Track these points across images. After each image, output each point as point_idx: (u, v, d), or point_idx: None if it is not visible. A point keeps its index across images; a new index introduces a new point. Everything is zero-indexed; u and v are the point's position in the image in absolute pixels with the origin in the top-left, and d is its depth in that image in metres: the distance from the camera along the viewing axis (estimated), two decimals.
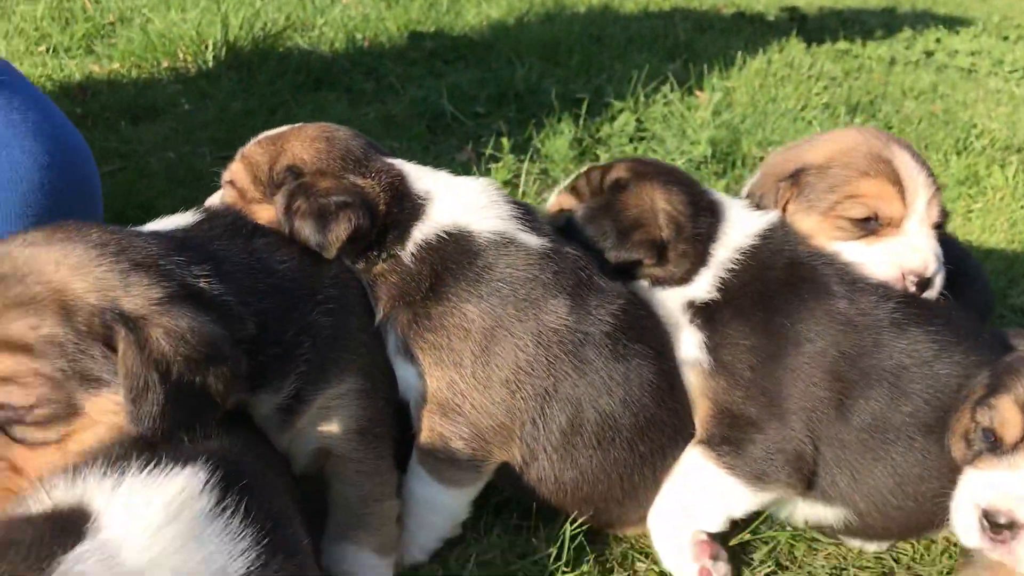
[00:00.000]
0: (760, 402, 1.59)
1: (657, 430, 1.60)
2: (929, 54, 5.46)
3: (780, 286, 1.68)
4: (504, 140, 3.21)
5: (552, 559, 1.57)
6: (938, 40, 5.72)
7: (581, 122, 3.49)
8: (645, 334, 1.62)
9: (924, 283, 1.70)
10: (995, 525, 1.41)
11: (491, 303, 1.52)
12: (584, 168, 1.96)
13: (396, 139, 3.28)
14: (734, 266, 1.70)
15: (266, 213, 1.64)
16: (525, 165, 3.13)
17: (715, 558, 1.59)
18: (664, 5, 5.86)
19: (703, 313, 1.68)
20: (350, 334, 1.53)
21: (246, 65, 3.84)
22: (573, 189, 1.87)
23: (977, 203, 3.34)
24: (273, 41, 4.02)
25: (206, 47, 3.88)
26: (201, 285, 1.32)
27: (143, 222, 2.44)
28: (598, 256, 1.68)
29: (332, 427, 1.50)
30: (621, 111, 3.67)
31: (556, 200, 1.90)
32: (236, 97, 3.53)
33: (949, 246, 1.83)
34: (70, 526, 1.04)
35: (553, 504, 1.60)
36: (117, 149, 2.95)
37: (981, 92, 4.74)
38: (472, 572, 1.53)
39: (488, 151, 3.20)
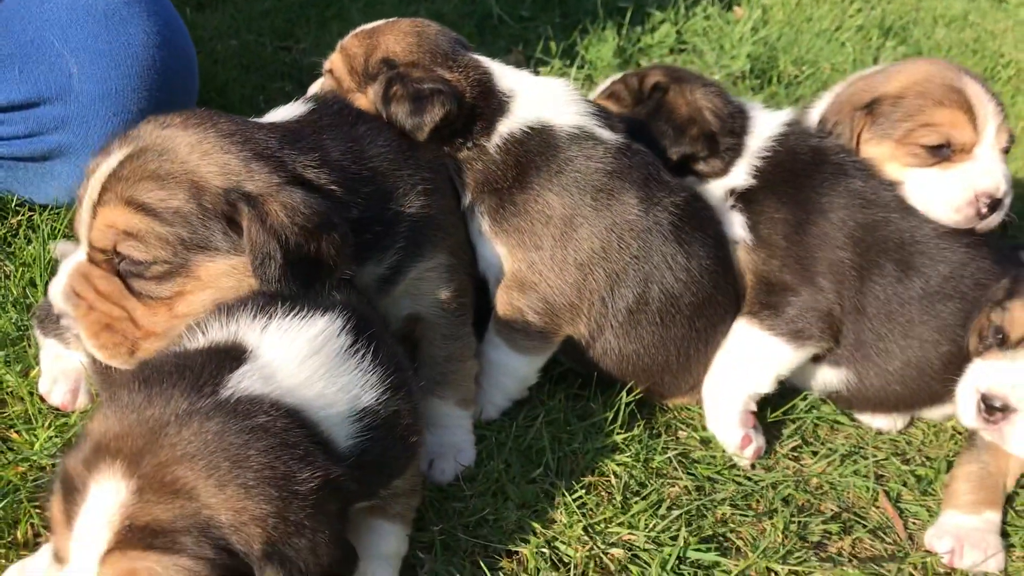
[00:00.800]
0: (794, 268, 1.82)
1: (712, 308, 1.82)
2: None
3: (806, 166, 1.92)
4: (552, 44, 3.34)
5: (608, 422, 1.78)
6: None
7: (624, 31, 3.60)
8: (704, 224, 1.82)
9: (995, 204, 1.85)
10: (990, 408, 1.63)
11: (571, 193, 1.69)
12: (617, 75, 2.14)
13: None
14: (767, 153, 1.95)
15: (361, 101, 1.80)
16: (572, 72, 3.26)
17: (755, 428, 1.81)
18: None
19: (743, 198, 1.92)
20: (442, 215, 1.71)
21: None
22: (612, 95, 2.07)
23: None
24: None
25: None
26: (309, 176, 1.49)
27: (221, 105, 2.63)
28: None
29: (423, 295, 1.69)
30: (662, 22, 3.77)
31: (609, 93, 2.08)
32: None
33: None
34: (231, 355, 1.23)
35: (614, 375, 1.81)
36: None
37: (1011, 22, 4.82)
38: (541, 431, 1.75)
39: (537, 55, 3.33)
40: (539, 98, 1.77)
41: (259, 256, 1.38)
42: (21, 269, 1.89)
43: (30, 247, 1.94)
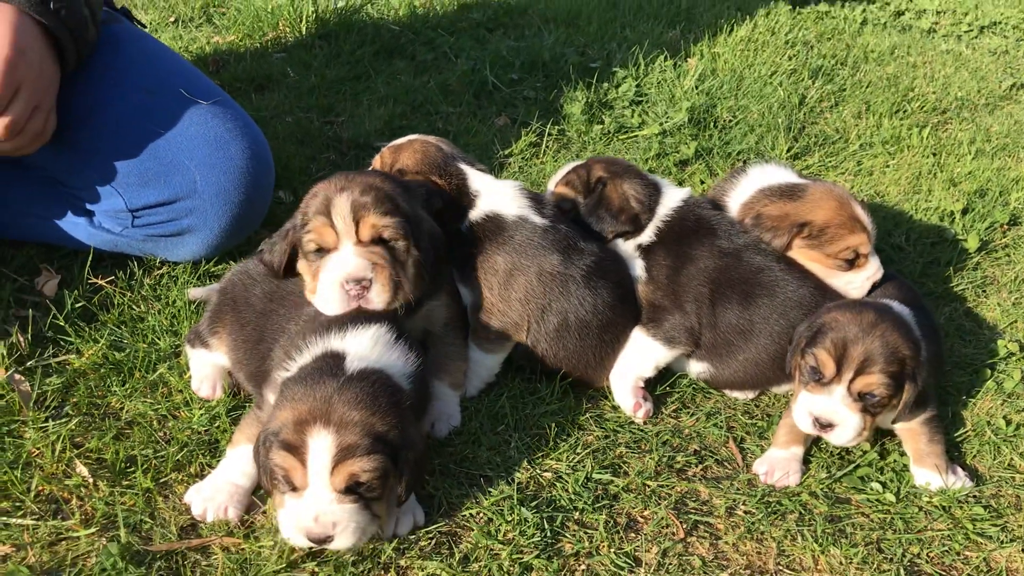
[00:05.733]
0: (670, 298, 2.76)
1: (614, 328, 2.76)
2: (899, 14, 6.31)
3: (687, 229, 2.83)
4: (533, 108, 4.29)
5: (549, 395, 2.75)
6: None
7: (592, 89, 4.51)
8: (608, 274, 2.75)
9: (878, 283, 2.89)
10: (820, 424, 2.52)
11: (511, 255, 2.66)
12: (571, 166, 3.02)
13: (452, 106, 4.33)
14: (666, 219, 2.84)
15: None
16: (547, 127, 4.18)
17: (645, 398, 2.77)
18: None
19: (645, 250, 2.83)
20: (444, 271, 2.69)
21: (333, 35, 4.88)
22: (568, 183, 2.94)
23: (893, 159, 4.35)
24: (352, 14, 5.06)
25: (300, 19, 4.93)
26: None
27: (284, 179, 3.58)
28: (599, 230, 2.83)
29: (434, 321, 2.68)
30: (625, 79, 4.64)
31: (557, 189, 2.96)
32: (329, 66, 4.58)
33: None
34: (336, 355, 2.22)
35: (552, 370, 2.76)
36: (252, 116, 3.95)
37: (931, 54, 5.61)
38: (504, 403, 2.71)
39: (521, 117, 4.27)
40: (495, 196, 2.74)
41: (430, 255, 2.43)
42: (167, 308, 2.90)
43: (171, 293, 2.95)
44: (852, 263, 2.86)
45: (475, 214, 2.72)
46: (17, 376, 2.56)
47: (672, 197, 2.88)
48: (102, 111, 2.76)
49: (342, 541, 2.04)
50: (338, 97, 4.33)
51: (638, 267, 2.82)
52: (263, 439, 2.09)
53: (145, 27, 3.22)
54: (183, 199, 2.84)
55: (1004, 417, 2.84)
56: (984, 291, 3.49)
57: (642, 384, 2.77)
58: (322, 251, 2.37)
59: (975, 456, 2.74)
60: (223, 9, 5.17)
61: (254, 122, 3.03)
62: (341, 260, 2.34)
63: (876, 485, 2.58)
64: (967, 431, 2.80)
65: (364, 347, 2.22)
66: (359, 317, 2.33)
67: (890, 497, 2.55)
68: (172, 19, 5.00)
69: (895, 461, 2.69)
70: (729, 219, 2.91)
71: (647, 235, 2.84)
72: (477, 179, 2.78)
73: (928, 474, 2.59)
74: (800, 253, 2.88)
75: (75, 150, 2.77)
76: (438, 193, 2.68)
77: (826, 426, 2.51)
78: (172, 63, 2.99)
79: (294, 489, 2.04)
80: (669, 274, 2.78)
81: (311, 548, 2.11)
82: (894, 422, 2.60)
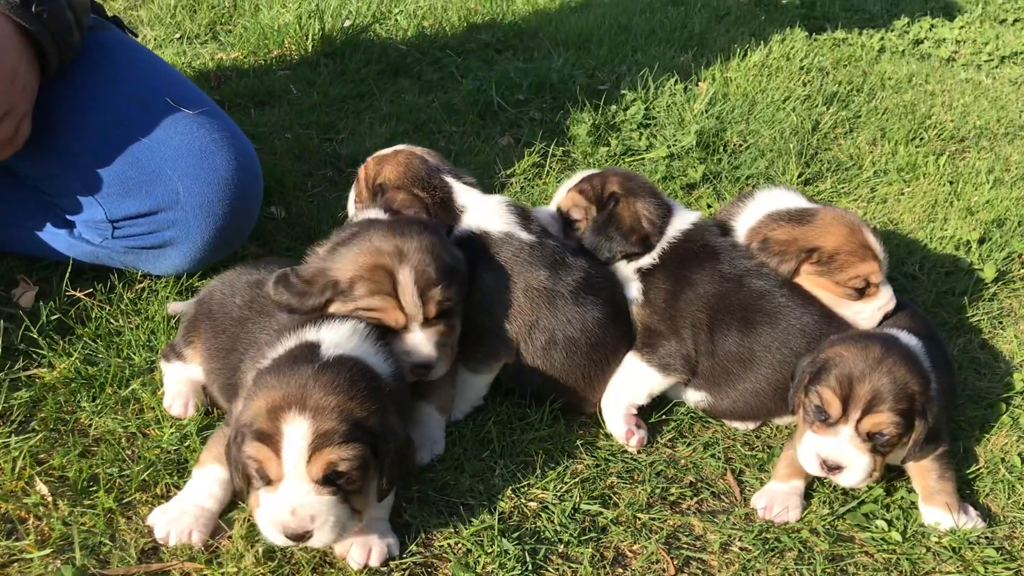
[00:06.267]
0: (667, 323, 2.63)
1: (603, 347, 2.63)
2: (918, 43, 6.20)
3: (691, 253, 2.70)
4: (537, 128, 4.20)
5: (538, 421, 2.62)
6: (932, 27, 6.42)
7: (600, 111, 4.42)
8: (598, 290, 2.63)
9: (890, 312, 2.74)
10: (827, 466, 2.38)
11: (498, 272, 2.55)
12: (586, 174, 2.91)
13: (455, 125, 4.25)
14: (672, 242, 2.73)
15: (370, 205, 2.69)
16: (551, 148, 4.09)
17: (639, 426, 2.63)
18: None
19: (644, 272, 2.71)
20: None
21: (339, 53, 4.82)
22: (581, 191, 2.83)
23: (908, 187, 4.23)
24: (359, 33, 5.01)
25: (307, 38, 4.88)
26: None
27: (279, 195, 3.50)
28: (605, 249, 2.71)
29: None
30: (633, 101, 4.56)
31: (568, 195, 2.86)
32: (333, 84, 4.51)
33: None
34: (311, 345, 2.14)
35: (541, 391, 2.63)
36: (251, 132, 3.94)
37: (950, 82, 5.50)
38: (491, 428, 2.59)
39: (525, 137, 4.18)
40: (482, 212, 2.64)
41: None
42: (147, 322, 2.80)
43: (151, 307, 2.85)
44: (862, 292, 2.72)
45: (460, 230, 2.62)
46: None
47: (683, 220, 2.78)
48: (84, 116, 2.69)
49: (320, 537, 1.93)
50: (340, 115, 4.26)
51: (634, 289, 2.70)
52: (235, 434, 1.98)
53: (136, 36, 3.15)
54: (165, 210, 2.75)
55: (1019, 454, 2.69)
56: (1000, 323, 3.34)
57: (635, 411, 2.64)
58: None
59: (988, 495, 2.59)
60: (229, 27, 5.13)
61: (243, 134, 2.95)
62: (414, 345, 2.38)
63: (881, 523, 2.44)
64: (980, 468, 2.65)
65: (341, 336, 2.14)
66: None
67: (896, 536, 2.40)
68: (178, 35, 4.95)
69: (902, 498, 2.54)
70: (733, 243, 2.78)
71: (649, 257, 2.72)
72: (463, 193, 2.68)
73: (938, 513, 2.44)
74: (808, 280, 2.74)
75: (54, 155, 2.69)
76: (419, 208, 2.59)
77: (834, 468, 2.37)
78: (159, 71, 2.91)
79: (269, 483, 1.94)
80: (667, 298, 2.65)
81: (289, 547, 2.02)
82: (904, 461, 2.46)
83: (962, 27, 6.47)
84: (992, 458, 2.68)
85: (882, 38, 6.10)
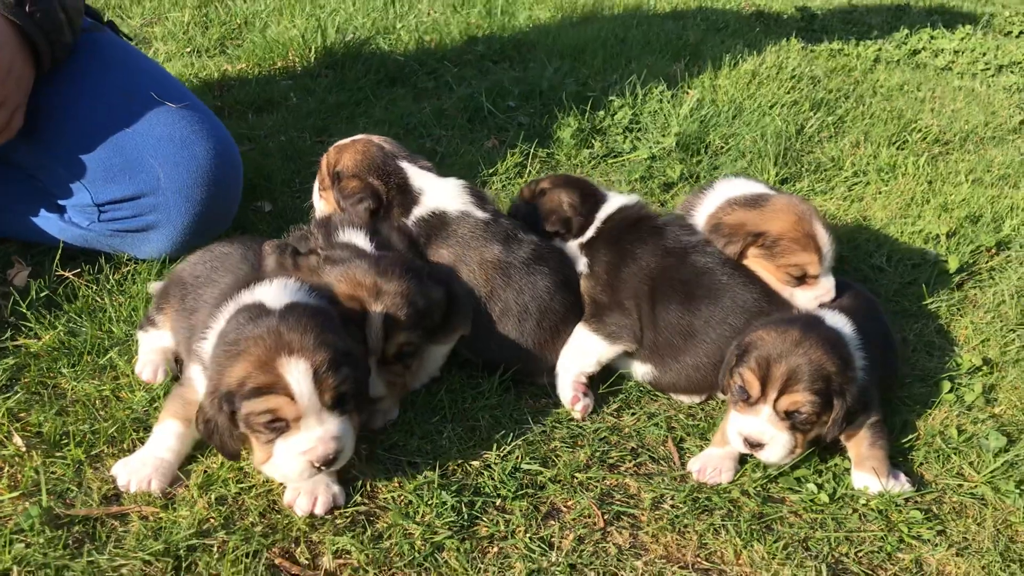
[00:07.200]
0: (610, 294, 2.79)
1: (552, 314, 2.79)
2: (915, 53, 6.28)
3: (626, 228, 2.89)
4: (522, 132, 4.37)
5: (489, 390, 2.77)
6: (931, 38, 6.51)
7: (586, 116, 4.57)
8: (547, 261, 2.81)
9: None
10: (750, 443, 2.50)
11: (455, 247, 2.72)
12: (536, 179, 3.14)
13: (445, 129, 4.43)
14: (604, 221, 2.93)
15: (330, 196, 2.88)
16: (533, 149, 4.24)
17: (586, 394, 2.77)
18: (692, 4, 6.83)
19: (587, 247, 2.90)
20: None
21: (339, 64, 5.04)
22: (522, 190, 3.11)
23: (886, 186, 4.31)
24: (361, 45, 5.23)
25: (310, 50, 5.11)
26: None
27: (266, 191, 3.70)
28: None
29: None
30: (621, 107, 4.70)
31: (519, 194, 3.12)
32: (331, 92, 4.73)
33: None
34: (261, 304, 2.29)
35: (494, 359, 2.78)
36: (247, 134, 4.19)
37: (942, 90, 5.57)
38: (443, 396, 2.74)
39: (509, 140, 4.35)
40: (439, 193, 2.83)
41: None
42: (130, 300, 3.00)
43: (134, 287, 3.05)
44: (801, 280, 2.84)
45: (420, 211, 2.80)
46: None
47: (614, 203, 2.99)
48: (72, 108, 2.91)
49: (345, 455, 2.20)
50: (334, 120, 4.46)
51: (581, 263, 2.90)
52: (217, 405, 2.13)
53: (131, 40, 3.38)
54: (147, 195, 2.95)
55: (958, 427, 2.78)
56: (960, 310, 3.43)
57: (584, 380, 2.78)
58: None
59: (922, 464, 2.68)
60: (239, 42, 5.37)
61: (223, 126, 3.15)
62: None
63: (812, 486, 2.54)
64: (917, 439, 2.74)
65: (277, 291, 2.32)
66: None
67: (824, 498, 2.50)
68: (188, 49, 5.21)
69: (836, 465, 2.64)
70: (681, 221, 2.93)
71: (588, 234, 2.94)
72: (418, 177, 2.86)
73: (867, 477, 2.54)
74: (754, 262, 2.87)
75: (45, 144, 2.91)
76: (371, 196, 2.77)
77: (755, 445, 2.49)
78: (146, 69, 3.13)
79: (284, 430, 2.12)
80: (609, 270, 2.81)
81: (312, 474, 2.20)
82: (829, 438, 2.55)
83: (963, 38, 6.54)
84: (930, 431, 2.77)
85: (879, 49, 6.19)
